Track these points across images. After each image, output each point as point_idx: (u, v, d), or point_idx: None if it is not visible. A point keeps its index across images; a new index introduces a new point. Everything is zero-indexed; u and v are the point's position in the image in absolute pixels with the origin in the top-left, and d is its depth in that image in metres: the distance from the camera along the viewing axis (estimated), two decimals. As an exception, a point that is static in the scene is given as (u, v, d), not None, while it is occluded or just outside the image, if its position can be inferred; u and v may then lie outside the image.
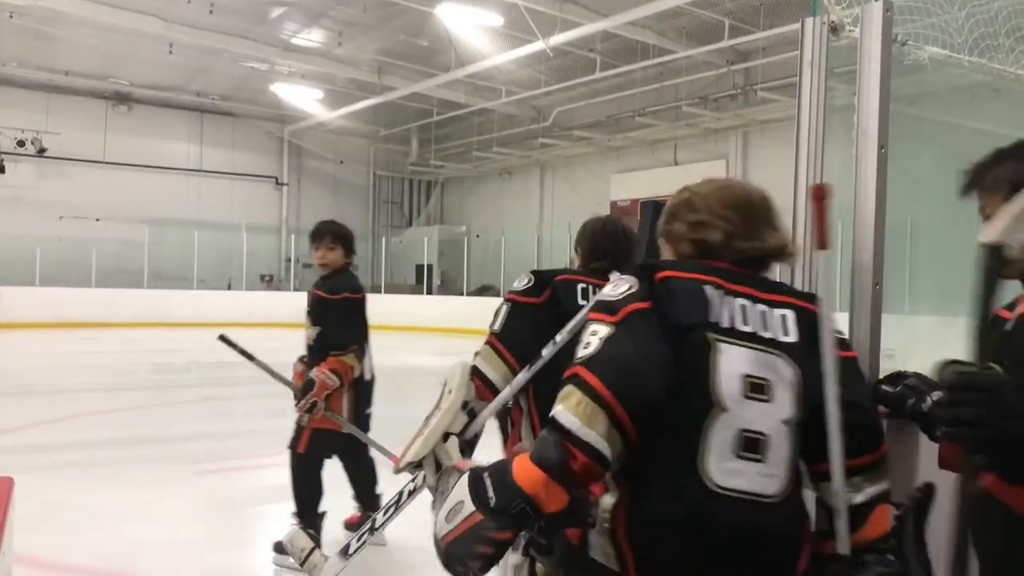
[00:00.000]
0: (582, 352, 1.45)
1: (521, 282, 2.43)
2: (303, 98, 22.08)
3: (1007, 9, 2.57)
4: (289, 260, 25.24)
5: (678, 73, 17.60)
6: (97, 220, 22.18)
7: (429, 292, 24.38)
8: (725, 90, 17.55)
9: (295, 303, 25.20)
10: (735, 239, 1.60)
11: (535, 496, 1.34)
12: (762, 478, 1.42)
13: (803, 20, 2.08)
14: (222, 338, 3.97)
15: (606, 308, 1.48)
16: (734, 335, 1.46)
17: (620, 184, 21.61)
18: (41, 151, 21.71)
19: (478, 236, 25.09)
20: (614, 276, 1.57)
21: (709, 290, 1.49)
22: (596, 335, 1.45)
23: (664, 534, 1.40)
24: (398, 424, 9.71)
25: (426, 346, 18.72)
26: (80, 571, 4.09)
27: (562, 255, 22.28)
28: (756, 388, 1.44)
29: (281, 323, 21.87)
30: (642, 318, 1.45)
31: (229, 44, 18.28)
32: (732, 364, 1.44)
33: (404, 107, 22.46)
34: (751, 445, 1.42)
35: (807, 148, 2.10)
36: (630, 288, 1.49)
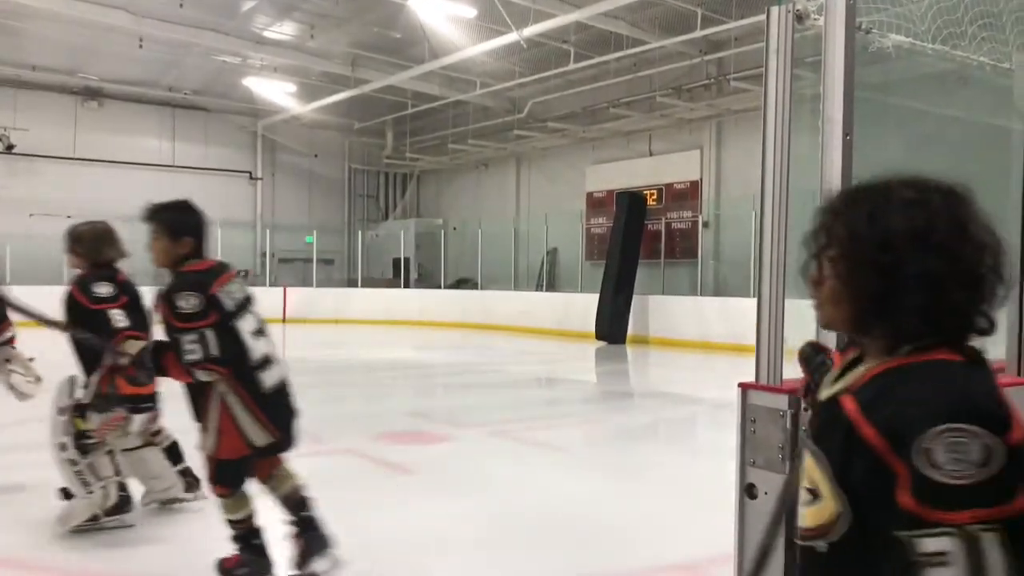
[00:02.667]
0: None
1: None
2: (276, 92, 21.91)
3: (970, -3, 2.61)
4: (265, 255, 25.08)
5: (651, 64, 17.66)
6: (68, 217, 21.54)
7: (406, 285, 24.35)
8: (698, 80, 17.62)
9: (271, 298, 25.16)
10: None
11: None
12: None
13: (768, 8, 2.10)
14: None
15: None
16: None
17: (596, 175, 21.67)
18: (9, 148, 21.39)
19: (455, 229, 25.07)
20: None
21: None
22: None
23: None
24: (375, 419, 9.71)
25: (404, 340, 18.70)
26: (59, 569, 4.06)
27: (538, 247, 22.36)
28: None
29: (257, 319, 21.81)
30: None
31: (200, 38, 18.10)
32: None
33: (378, 100, 22.37)
34: None
35: (774, 135, 2.13)
36: None
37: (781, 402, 2.09)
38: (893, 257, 1.18)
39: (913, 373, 1.19)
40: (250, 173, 25.72)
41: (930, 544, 1.10)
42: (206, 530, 4.28)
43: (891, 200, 1.23)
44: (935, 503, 1.10)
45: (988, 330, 1.22)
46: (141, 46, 18.44)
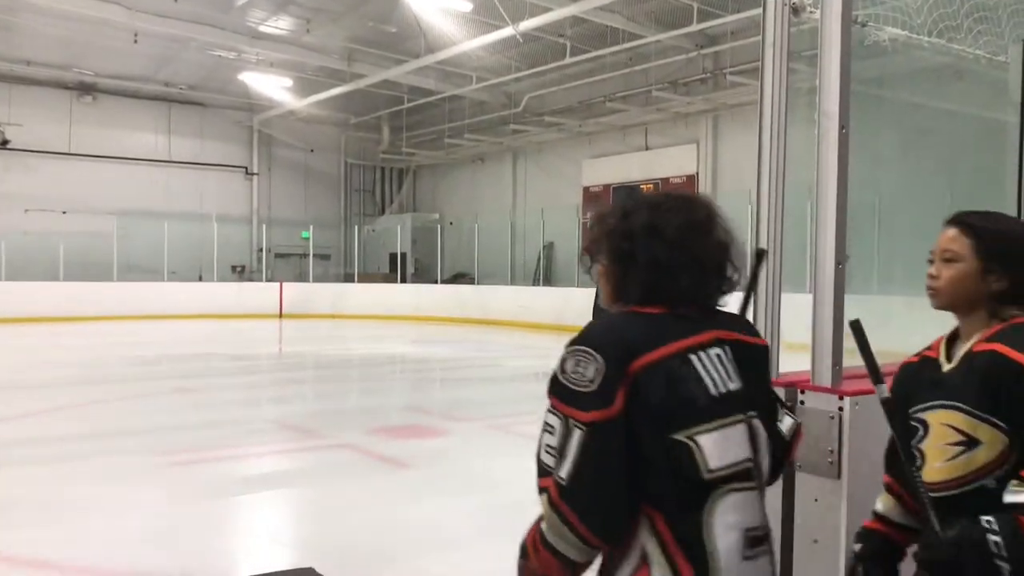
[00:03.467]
0: None
1: None
2: (272, 86, 21.86)
3: (966, -9, 2.61)
4: (261, 250, 25.04)
5: (648, 58, 17.64)
6: (64, 213, 21.85)
7: (403, 280, 24.33)
8: (695, 74, 17.61)
9: (267, 294, 25.20)
10: None
11: None
12: None
13: (764, 1, 2.10)
14: None
15: None
16: None
17: (592, 169, 21.66)
18: (4, 143, 21.33)
19: (451, 223, 25.04)
20: None
21: None
22: None
23: None
24: (372, 413, 9.75)
25: (401, 335, 18.69)
26: (54, 565, 4.06)
27: (535, 241, 22.35)
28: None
29: (253, 314, 21.82)
30: None
31: (196, 32, 18.05)
32: None
33: (374, 94, 22.32)
34: None
35: (770, 128, 2.12)
36: None
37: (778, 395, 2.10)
38: (631, 245, 1.51)
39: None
40: (246, 168, 25.67)
41: None
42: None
43: (640, 204, 1.56)
44: None
45: (707, 300, 1.55)
46: (136, 41, 18.37)
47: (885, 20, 2.31)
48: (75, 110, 22.61)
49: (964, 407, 1.64)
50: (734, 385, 1.50)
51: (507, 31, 15.43)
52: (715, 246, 1.53)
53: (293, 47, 19.38)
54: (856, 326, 1.75)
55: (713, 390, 1.46)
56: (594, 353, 1.43)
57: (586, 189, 21.68)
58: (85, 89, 22.48)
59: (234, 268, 24.69)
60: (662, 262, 1.49)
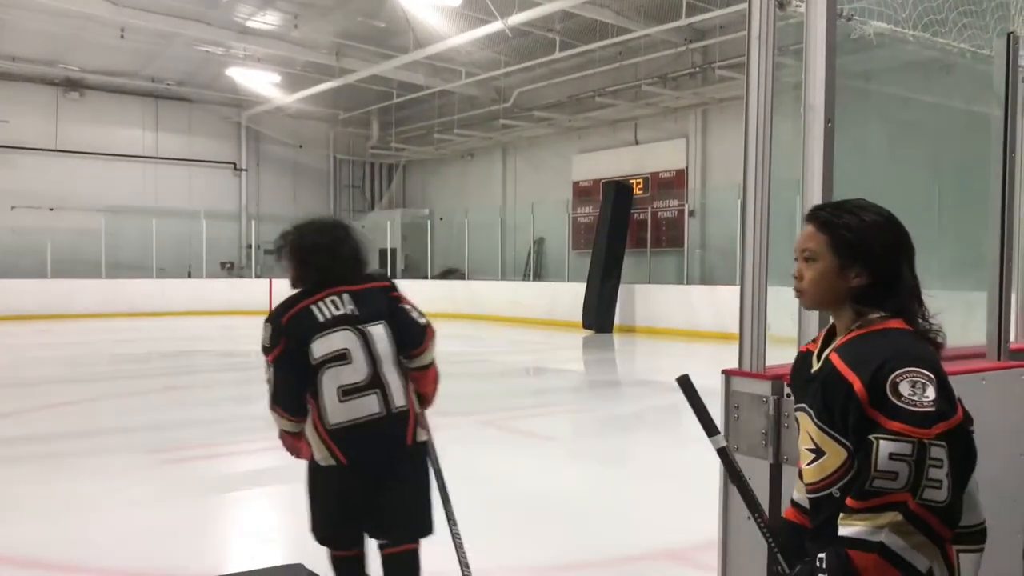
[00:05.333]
0: None
1: None
2: (260, 82, 21.76)
3: (951, -16, 2.62)
4: (250, 247, 24.97)
5: (637, 52, 17.64)
6: (51, 210, 21.72)
7: (393, 276, 24.23)
8: (684, 69, 17.62)
9: (257, 290, 25.06)
10: None
11: None
12: None
13: (750, -4, 2.10)
14: None
15: None
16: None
17: (582, 164, 21.67)
18: (-10, 140, 21.20)
19: (441, 219, 25.02)
20: None
21: None
22: None
23: None
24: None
25: (391, 330, 18.65)
26: (42, 563, 4.05)
27: (525, 236, 22.35)
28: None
29: (243, 311, 21.74)
30: None
31: (183, 28, 17.94)
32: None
33: (363, 90, 22.25)
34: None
35: (756, 122, 2.13)
36: None
37: (764, 388, 2.11)
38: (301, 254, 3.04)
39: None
40: (234, 164, 25.57)
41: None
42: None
43: (312, 221, 3.05)
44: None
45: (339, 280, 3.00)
46: (123, 36, 18.27)
47: (870, 14, 2.32)
48: (62, 106, 22.47)
49: (812, 415, 1.62)
50: (342, 312, 2.90)
51: (496, 26, 15.40)
52: (323, 249, 3.02)
53: (281, 42, 19.29)
54: (684, 381, 1.82)
55: (321, 318, 2.87)
56: (268, 321, 2.95)
57: (576, 184, 21.69)
58: (72, 85, 22.33)
59: (223, 264, 24.61)
60: (307, 262, 3.01)
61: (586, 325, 17.46)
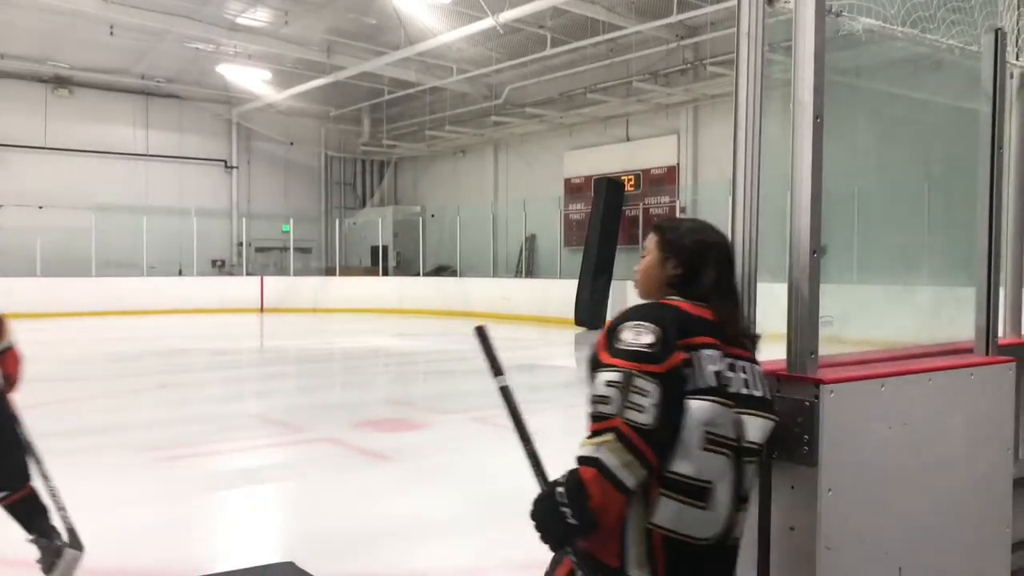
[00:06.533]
0: None
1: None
2: (251, 79, 21.69)
3: (940, -19, 2.63)
4: (241, 244, 24.89)
5: (628, 49, 17.65)
6: (40, 208, 21.61)
7: (385, 273, 24.27)
8: (675, 65, 17.64)
9: (248, 288, 25.00)
10: None
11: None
12: None
13: (739, -8, 2.10)
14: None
15: None
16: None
17: (573, 161, 21.67)
18: (-22, 137, 21.07)
19: (433, 216, 24.99)
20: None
21: None
22: None
23: None
24: (355, 407, 9.72)
25: (383, 328, 18.64)
26: (34, 564, 4.03)
27: (517, 233, 22.35)
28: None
29: (234, 308, 21.69)
30: None
31: (173, 24, 17.86)
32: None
33: (355, 86, 22.21)
34: None
35: (745, 118, 2.13)
36: None
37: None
38: None
39: None
40: (225, 161, 25.48)
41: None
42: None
43: None
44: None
45: None
46: (112, 33, 18.17)
47: (859, 10, 2.32)
48: (51, 103, 22.35)
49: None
50: None
51: (488, 22, 15.38)
52: None
53: (272, 39, 19.22)
54: (480, 330, 2.20)
55: None
56: None
57: (568, 181, 21.69)
58: (60, 82, 22.21)
59: (214, 263, 24.53)
60: None
61: (578, 322, 17.47)
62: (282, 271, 24.55)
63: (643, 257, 2.05)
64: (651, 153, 19.56)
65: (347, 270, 24.82)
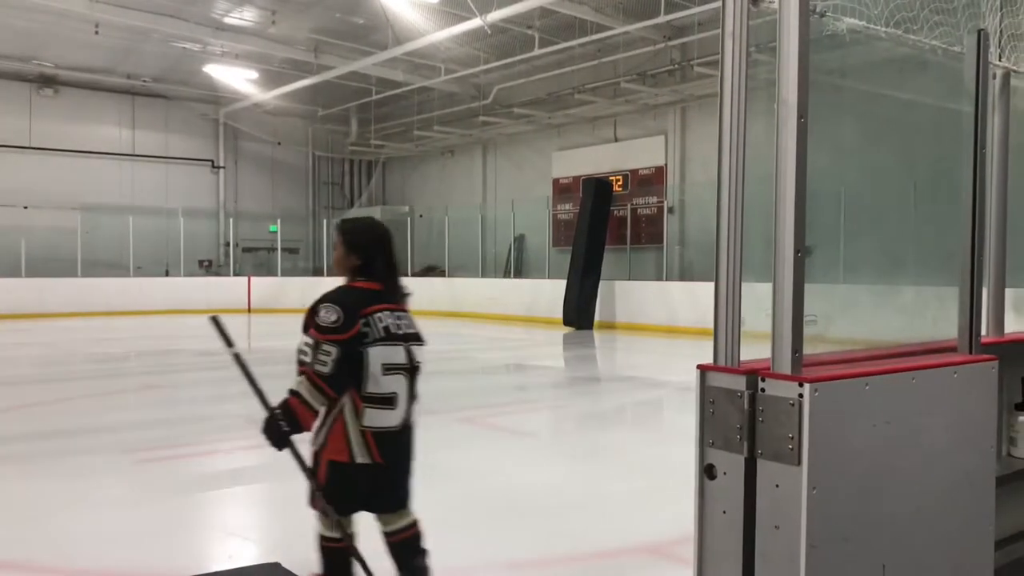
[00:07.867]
0: None
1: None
2: (238, 79, 21.61)
3: (924, -18, 2.65)
4: (228, 244, 24.79)
5: (616, 49, 17.68)
6: (25, 208, 21.45)
7: (373, 274, 24.19)
8: (662, 66, 17.69)
9: (235, 289, 24.90)
10: None
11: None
12: None
13: (724, -8, 2.11)
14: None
15: None
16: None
17: (561, 161, 21.70)
18: (-38, 137, 20.91)
19: (421, 216, 24.97)
20: None
21: None
22: None
23: None
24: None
25: (371, 328, 18.60)
26: (19, 565, 4.00)
27: (506, 233, 22.34)
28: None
29: (221, 309, 21.58)
30: None
31: (159, 24, 17.77)
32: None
33: (342, 86, 22.16)
34: None
35: (730, 119, 2.14)
36: None
37: (739, 383, 2.12)
38: None
39: None
40: (212, 162, 25.38)
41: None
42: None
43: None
44: None
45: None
46: (98, 32, 18.06)
47: (843, 11, 2.33)
48: (36, 103, 22.21)
49: None
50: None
51: (475, 22, 15.38)
52: None
53: (258, 39, 19.16)
54: (215, 319, 3.11)
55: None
56: None
57: (556, 181, 21.72)
58: (46, 81, 22.07)
59: (201, 263, 24.42)
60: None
61: (566, 322, 17.49)
62: (270, 271, 24.46)
63: (335, 250, 3.15)
64: (639, 154, 19.60)
65: (335, 271, 24.74)
